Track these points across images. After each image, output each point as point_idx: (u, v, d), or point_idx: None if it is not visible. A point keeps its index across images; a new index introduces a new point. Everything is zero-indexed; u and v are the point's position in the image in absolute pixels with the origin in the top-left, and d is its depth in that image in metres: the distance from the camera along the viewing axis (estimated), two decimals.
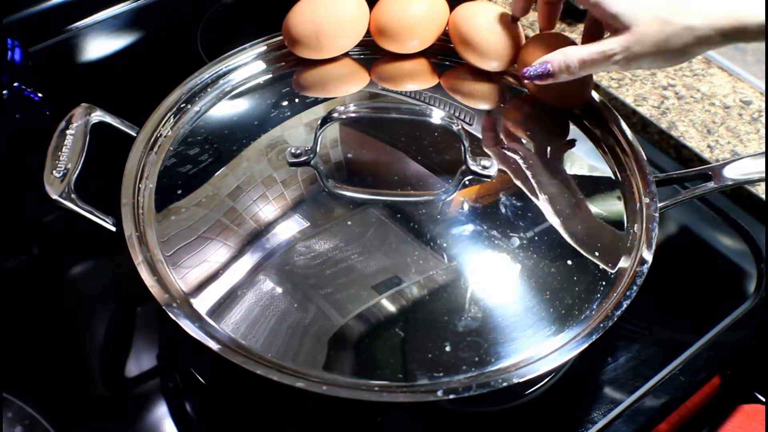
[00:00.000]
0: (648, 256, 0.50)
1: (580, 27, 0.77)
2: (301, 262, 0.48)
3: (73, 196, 0.49)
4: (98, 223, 0.50)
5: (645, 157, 0.56)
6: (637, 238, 0.52)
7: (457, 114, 0.58)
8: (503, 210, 0.52)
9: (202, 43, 0.73)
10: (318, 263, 0.48)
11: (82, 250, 0.60)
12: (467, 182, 0.53)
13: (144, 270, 0.47)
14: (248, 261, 0.49)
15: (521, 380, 0.44)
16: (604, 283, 0.50)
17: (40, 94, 0.65)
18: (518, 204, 0.52)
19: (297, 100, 0.59)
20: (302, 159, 0.52)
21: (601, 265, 0.50)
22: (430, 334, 0.46)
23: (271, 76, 0.61)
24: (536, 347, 0.46)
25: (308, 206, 0.51)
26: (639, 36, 0.50)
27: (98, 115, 0.54)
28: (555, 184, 0.54)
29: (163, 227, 0.50)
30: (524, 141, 0.57)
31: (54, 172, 0.50)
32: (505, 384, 0.44)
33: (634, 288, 0.49)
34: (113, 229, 0.50)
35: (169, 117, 0.57)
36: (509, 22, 0.58)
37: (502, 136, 0.57)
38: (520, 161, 0.54)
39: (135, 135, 0.54)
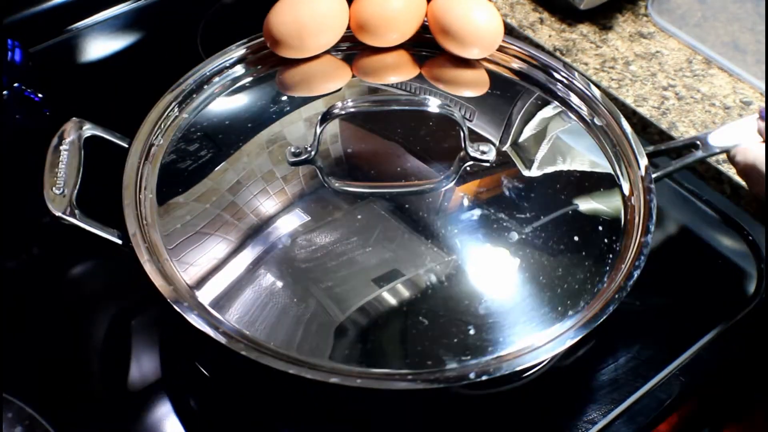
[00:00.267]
0: (651, 225, 0.51)
1: (581, 27, 0.77)
2: (303, 255, 0.49)
3: (76, 212, 0.49)
4: (104, 237, 0.50)
5: (632, 131, 0.57)
6: (637, 211, 0.52)
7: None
8: (503, 199, 0.52)
9: (202, 43, 0.73)
10: (321, 256, 0.49)
11: (82, 250, 0.60)
12: (468, 168, 0.53)
13: (150, 267, 0.47)
14: (253, 255, 0.49)
15: (548, 355, 0.46)
16: (611, 256, 0.50)
17: (40, 95, 0.65)
18: (517, 191, 0.53)
19: (295, 95, 0.59)
20: (302, 158, 0.53)
21: (606, 241, 0.51)
22: (438, 322, 0.47)
23: (266, 73, 0.61)
24: (553, 326, 0.47)
25: (309, 200, 0.52)
26: None
27: (90, 129, 0.54)
28: (549, 168, 0.54)
29: (165, 223, 0.51)
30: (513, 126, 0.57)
31: (54, 188, 0.50)
32: (532, 362, 0.46)
33: (642, 258, 0.49)
34: (119, 242, 0.50)
35: (171, 112, 0.57)
36: (489, 9, 0.59)
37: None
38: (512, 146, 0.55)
39: (127, 146, 0.54)
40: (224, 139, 0.56)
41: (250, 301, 0.47)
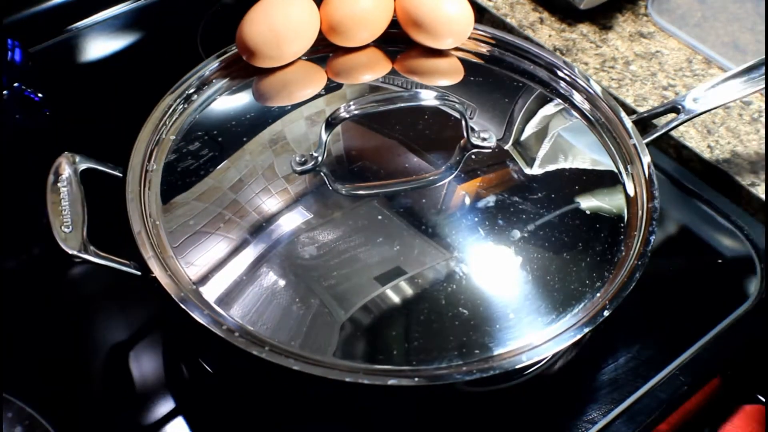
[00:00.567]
0: (654, 224, 0.51)
1: (581, 27, 0.77)
2: (306, 253, 0.49)
3: (91, 248, 0.48)
4: (123, 270, 0.49)
5: (633, 125, 0.58)
6: (640, 207, 0.53)
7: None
8: (504, 197, 0.52)
9: (202, 43, 0.73)
10: (324, 254, 0.49)
11: None
12: (472, 158, 0.53)
13: (154, 264, 0.47)
14: (257, 253, 0.49)
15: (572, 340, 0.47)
16: (622, 225, 0.52)
17: (40, 95, 0.65)
18: (519, 189, 0.53)
19: (274, 106, 0.59)
20: (309, 166, 0.52)
21: (609, 239, 0.52)
22: (441, 319, 0.47)
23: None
24: (554, 324, 0.48)
25: (311, 198, 0.52)
26: None
27: (83, 162, 0.53)
28: (551, 166, 0.55)
29: (169, 220, 0.51)
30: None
31: (62, 227, 0.49)
32: (540, 355, 0.46)
33: (654, 224, 0.51)
34: (138, 273, 0.49)
35: (176, 107, 0.57)
36: None
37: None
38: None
39: (121, 175, 0.53)
40: (227, 137, 0.56)
41: (254, 299, 0.47)
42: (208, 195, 0.52)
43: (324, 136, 0.51)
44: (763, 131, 0.69)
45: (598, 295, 0.49)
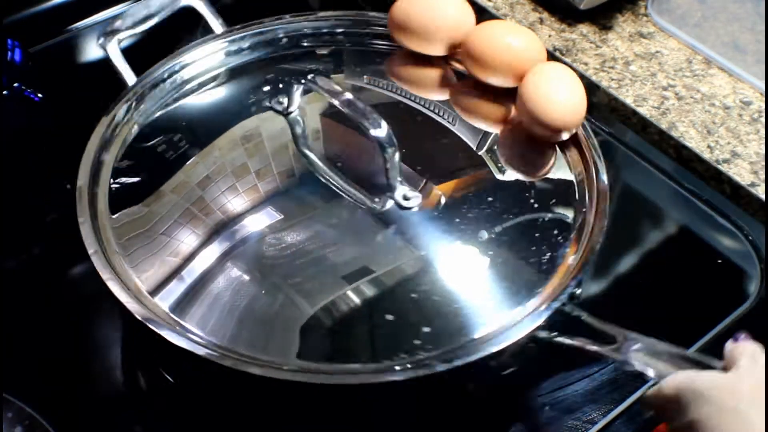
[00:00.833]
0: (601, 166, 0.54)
1: (581, 27, 0.77)
2: (272, 253, 0.49)
3: None
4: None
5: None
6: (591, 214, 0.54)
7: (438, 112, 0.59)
8: (472, 199, 0.54)
9: None
10: (290, 254, 0.49)
11: (82, 250, 0.60)
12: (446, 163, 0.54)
13: (115, 286, 0.47)
14: (224, 258, 0.49)
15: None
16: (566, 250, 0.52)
17: (40, 95, 0.65)
18: (485, 193, 0.54)
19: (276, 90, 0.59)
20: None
21: (562, 241, 0.53)
22: (404, 317, 0.48)
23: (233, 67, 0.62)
24: (534, 289, 0.49)
25: (281, 197, 0.52)
26: None
27: None
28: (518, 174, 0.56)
29: (123, 228, 0.51)
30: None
31: None
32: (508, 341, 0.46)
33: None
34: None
35: (131, 104, 0.58)
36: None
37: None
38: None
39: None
40: (196, 134, 0.56)
41: (216, 304, 0.47)
42: (172, 196, 0.52)
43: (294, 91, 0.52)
44: (763, 131, 0.69)
45: (557, 281, 0.50)
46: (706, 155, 0.67)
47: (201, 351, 0.45)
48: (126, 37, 0.60)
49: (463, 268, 0.51)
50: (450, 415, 0.53)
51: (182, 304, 0.47)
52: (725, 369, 0.43)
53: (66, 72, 0.73)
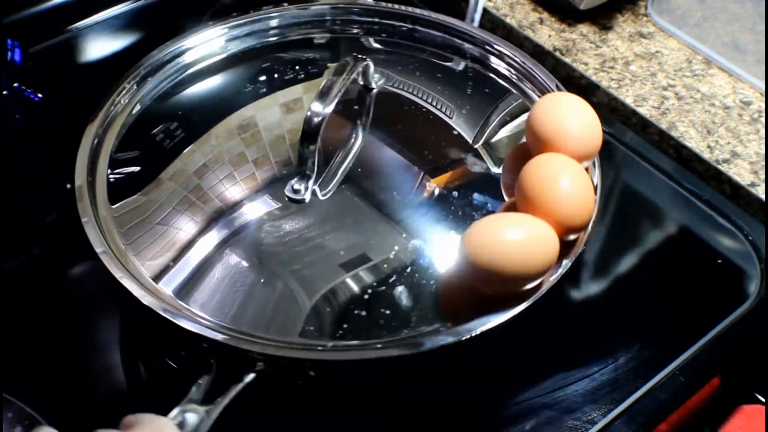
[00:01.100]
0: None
1: (581, 27, 0.77)
2: (271, 240, 0.49)
3: None
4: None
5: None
6: None
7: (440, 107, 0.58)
8: (469, 188, 0.53)
9: None
10: (289, 241, 0.49)
11: (82, 250, 0.60)
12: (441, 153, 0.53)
13: (130, 283, 0.47)
14: (221, 244, 0.50)
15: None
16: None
17: (40, 95, 0.65)
18: (482, 183, 0.54)
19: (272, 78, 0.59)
20: (305, 194, 0.51)
21: None
22: (405, 303, 0.48)
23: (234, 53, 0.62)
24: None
25: (278, 187, 0.52)
26: None
27: None
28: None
29: (124, 218, 0.51)
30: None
31: None
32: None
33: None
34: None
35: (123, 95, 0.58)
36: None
37: None
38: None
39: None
40: (194, 122, 0.56)
41: (219, 289, 0.48)
42: (170, 184, 0.52)
43: (308, 153, 0.50)
44: (763, 131, 0.69)
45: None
46: (706, 155, 0.67)
47: (219, 337, 0.45)
48: None
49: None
50: (447, 413, 0.53)
51: (182, 293, 0.48)
52: None
53: (66, 72, 0.73)
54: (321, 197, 0.52)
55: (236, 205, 0.51)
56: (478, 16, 0.69)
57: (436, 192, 0.53)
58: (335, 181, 0.52)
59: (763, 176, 0.65)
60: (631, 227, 0.65)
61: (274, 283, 0.48)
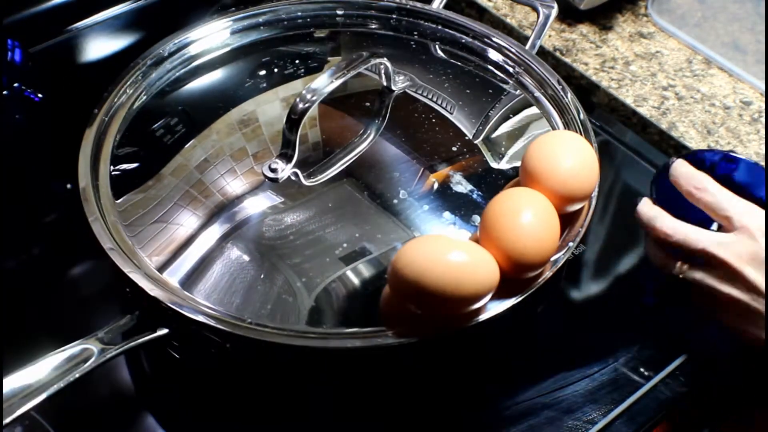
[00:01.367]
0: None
1: (581, 27, 0.77)
2: (271, 234, 0.49)
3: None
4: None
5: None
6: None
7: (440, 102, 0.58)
8: (467, 183, 0.53)
9: None
10: (289, 234, 0.49)
11: (82, 250, 0.60)
12: (441, 149, 0.53)
13: (140, 279, 0.47)
14: (227, 238, 0.50)
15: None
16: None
17: (40, 95, 0.65)
18: (480, 178, 0.54)
19: (272, 73, 0.59)
20: (283, 173, 0.52)
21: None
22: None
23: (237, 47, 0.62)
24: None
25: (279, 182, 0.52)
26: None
27: None
28: (516, 162, 0.55)
29: (128, 213, 0.51)
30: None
31: None
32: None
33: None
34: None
35: (131, 83, 0.58)
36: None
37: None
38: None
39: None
40: (198, 116, 0.56)
41: (221, 281, 0.48)
42: (172, 178, 0.52)
43: (290, 135, 0.51)
44: (763, 131, 0.69)
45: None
46: None
47: (234, 330, 0.45)
48: None
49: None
50: (448, 410, 0.53)
51: (186, 286, 0.48)
52: (725, 229, 0.51)
53: (66, 72, 0.73)
54: (306, 183, 0.52)
55: (237, 200, 0.51)
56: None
57: (435, 186, 0.52)
58: (329, 171, 0.52)
59: None
60: (631, 227, 0.65)
61: (275, 276, 0.48)
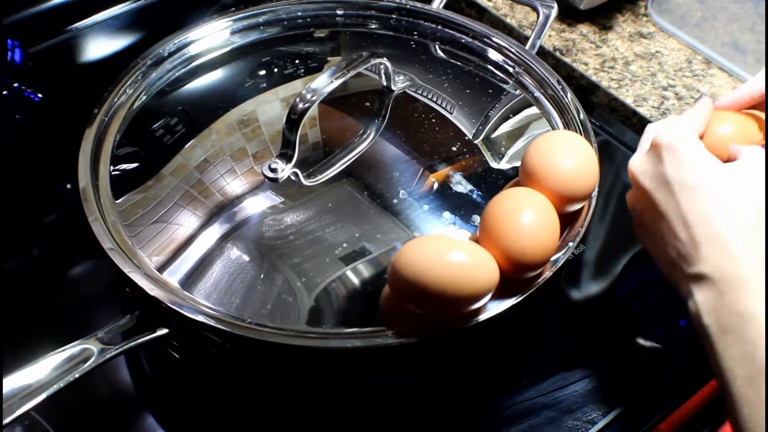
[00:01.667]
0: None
1: (581, 27, 0.77)
2: (271, 234, 0.49)
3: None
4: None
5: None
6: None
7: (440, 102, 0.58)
8: (468, 183, 0.53)
9: None
10: (289, 234, 0.49)
11: (82, 250, 0.60)
12: (441, 149, 0.53)
13: (140, 279, 0.47)
14: (227, 238, 0.50)
15: None
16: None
17: (40, 95, 0.65)
18: (481, 178, 0.54)
19: (272, 73, 0.59)
20: (283, 173, 0.52)
21: None
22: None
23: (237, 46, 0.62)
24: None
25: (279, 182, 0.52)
26: None
27: None
28: (516, 162, 0.55)
29: (129, 213, 0.50)
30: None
31: None
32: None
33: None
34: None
35: (132, 83, 0.58)
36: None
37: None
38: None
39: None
40: (197, 116, 0.56)
41: (221, 281, 0.48)
42: (172, 178, 0.52)
43: (290, 135, 0.51)
44: None
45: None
46: None
47: (240, 331, 0.45)
48: None
49: None
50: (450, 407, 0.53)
51: (186, 286, 0.48)
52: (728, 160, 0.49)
53: (66, 72, 0.73)
54: (306, 183, 0.52)
55: (237, 200, 0.51)
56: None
57: (435, 186, 0.52)
58: (329, 171, 0.52)
59: None
60: (631, 227, 0.65)
61: (275, 276, 0.48)
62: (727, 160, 0.49)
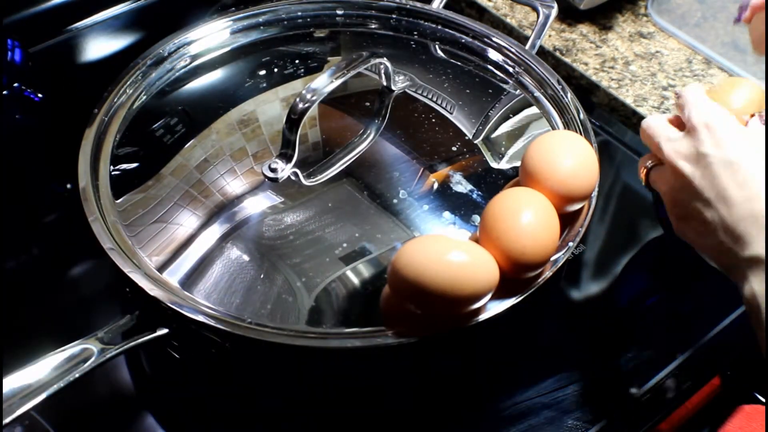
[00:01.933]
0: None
1: (581, 27, 0.77)
2: (271, 234, 0.49)
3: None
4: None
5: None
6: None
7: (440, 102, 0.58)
8: (468, 182, 0.53)
9: None
10: (289, 234, 0.49)
11: (82, 250, 0.60)
12: (441, 149, 0.53)
13: (140, 279, 0.47)
14: (226, 238, 0.49)
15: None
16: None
17: (40, 95, 0.65)
18: (481, 177, 0.53)
19: (272, 73, 0.59)
20: (283, 173, 0.52)
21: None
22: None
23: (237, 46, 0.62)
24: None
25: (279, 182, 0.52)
26: None
27: None
28: (516, 162, 0.55)
29: (129, 213, 0.50)
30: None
31: None
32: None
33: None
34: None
35: (132, 82, 0.58)
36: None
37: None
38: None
39: None
40: (197, 116, 0.56)
41: (221, 281, 0.48)
42: (172, 178, 0.52)
43: (290, 135, 0.51)
44: None
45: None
46: None
47: (241, 332, 0.45)
48: None
49: None
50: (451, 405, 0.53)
51: (186, 286, 0.48)
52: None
53: (66, 72, 0.73)
54: (306, 183, 0.51)
55: (237, 200, 0.51)
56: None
57: (435, 186, 0.52)
58: (329, 171, 0.52)
59: None
60: (631, 227, 0.65)
61: (275, 276, 0.48)
62: None
